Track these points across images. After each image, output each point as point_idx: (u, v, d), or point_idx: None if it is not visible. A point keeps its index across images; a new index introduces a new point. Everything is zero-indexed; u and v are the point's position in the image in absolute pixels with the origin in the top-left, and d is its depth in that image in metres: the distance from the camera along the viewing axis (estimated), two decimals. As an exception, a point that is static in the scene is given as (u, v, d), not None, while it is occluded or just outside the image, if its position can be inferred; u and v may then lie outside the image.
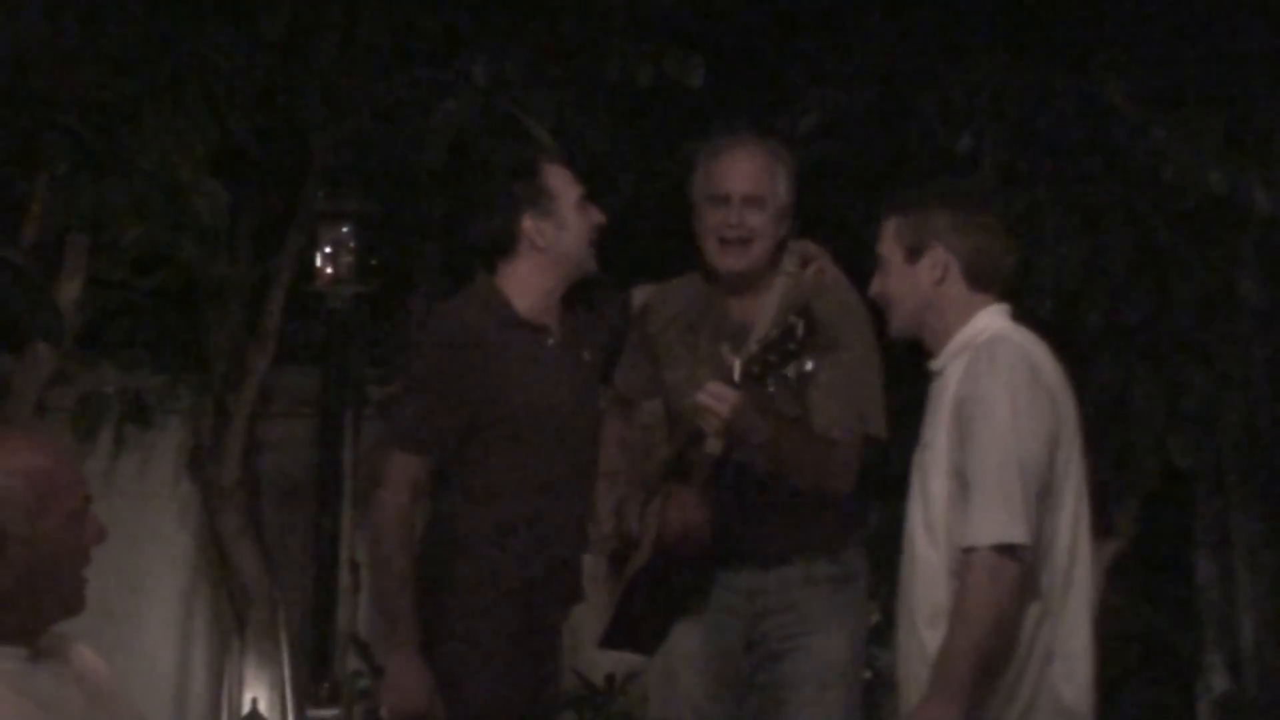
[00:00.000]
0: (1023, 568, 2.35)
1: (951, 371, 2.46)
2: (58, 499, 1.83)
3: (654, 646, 2.93)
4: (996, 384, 2.38)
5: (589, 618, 3.04)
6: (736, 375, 2.64)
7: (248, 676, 4.52)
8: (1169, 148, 4.02)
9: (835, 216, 3.02)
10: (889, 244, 2.54)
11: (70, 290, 3.99)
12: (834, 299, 2.84)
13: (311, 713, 4.16)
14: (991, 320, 2.49)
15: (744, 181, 2.90)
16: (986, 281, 2.50)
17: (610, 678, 4.58)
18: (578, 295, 2.99)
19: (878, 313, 2.75)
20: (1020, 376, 2.39)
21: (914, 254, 2.51)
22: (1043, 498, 2.39)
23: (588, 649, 3.26)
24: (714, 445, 2.76)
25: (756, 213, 2.89)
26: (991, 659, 2.36)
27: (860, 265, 2.92)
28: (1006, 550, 2.34)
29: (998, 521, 2.34)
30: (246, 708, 4.46)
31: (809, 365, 2.58)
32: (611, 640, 2.95)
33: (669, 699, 2.92)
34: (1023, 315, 2.55)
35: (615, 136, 4.37)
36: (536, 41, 4.33)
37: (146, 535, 4.44)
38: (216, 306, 4.50)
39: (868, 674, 3.23)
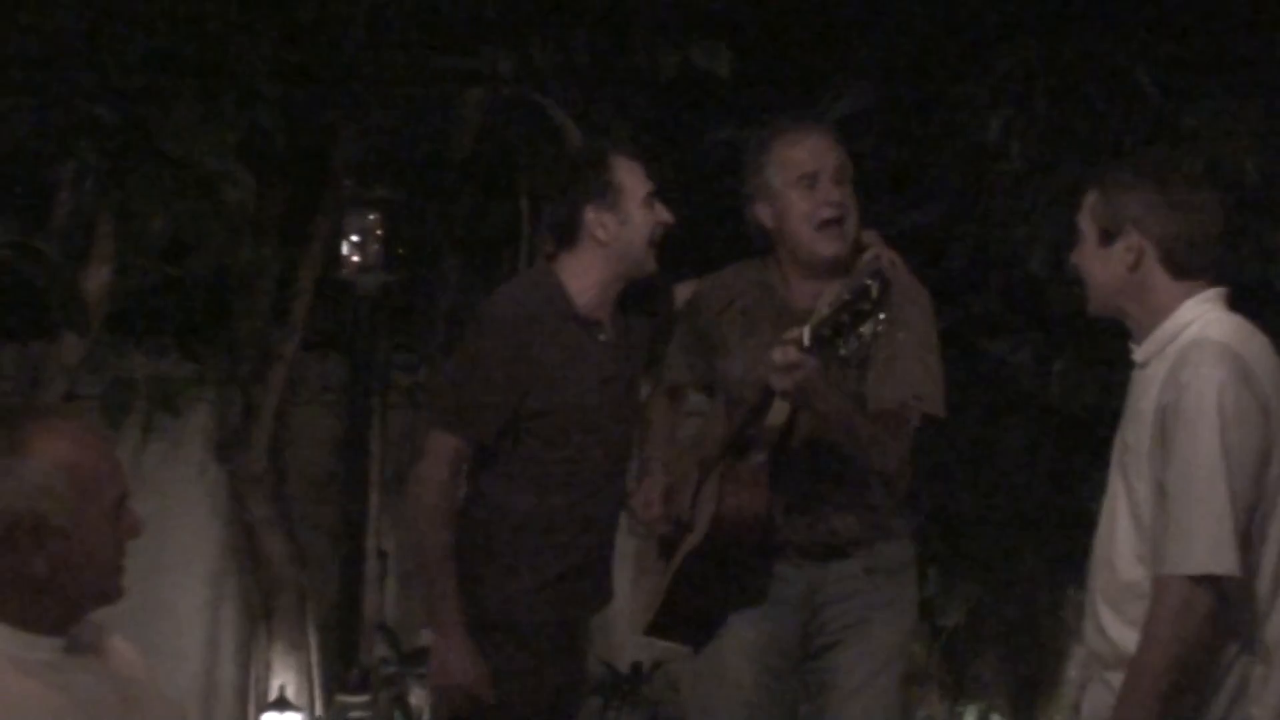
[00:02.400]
0: (1221, 600, 2.20)
1: (1155, 369, 2.28)
2: (98, 492, 1.84)
3: (701, 639, 2.90)
4: (1204, 398, 2.18)
5: (622, 605, 3.03)
6: (807, 339, 2.58)
7: (275, 663, 4.54)
8: (1201, 137, 3.98)
9: (865, 208, 2.99)
10: (1086, 220, 2.37)
11: (99, 278, 4.00)
12: (895, 281, 2.83)
13: (341, 699, 4.17)
14: (1200, 311, 2.28)
15: (832, 157, 2.88)
16: (1191, 269, 2.30)
17: (637, 666, 4.58)
18: (630, 293, 2.99)
19: (934, 296, 2.72)
20: (1230, 388, 2.19)
21: (1108, 236, 2.33)
22: (1252, 520, 2.21)
23: (616, 636, 3.26)
24: (776, 417, 2.71)
25: (846, 188, 2.85)
26: (1184, 690, 2.21)
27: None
28: (1204, 581, 2.18)
29: (1199, 550, 2.17)
30: (274, 694, 4.48)
31: (881, 327, 2.50)
32: (658, 629, 2.92)
33: (716, 688, 2.90)
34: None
35: (642, 127, 4.35)
36: (563, 31, 4.32)
37: (174, 523, 4.45)
38: (244, 295, 4.51)
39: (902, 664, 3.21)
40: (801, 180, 2.85)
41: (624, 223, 2.90)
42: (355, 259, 4.39)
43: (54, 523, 1.80)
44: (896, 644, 2.88)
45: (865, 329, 2.54)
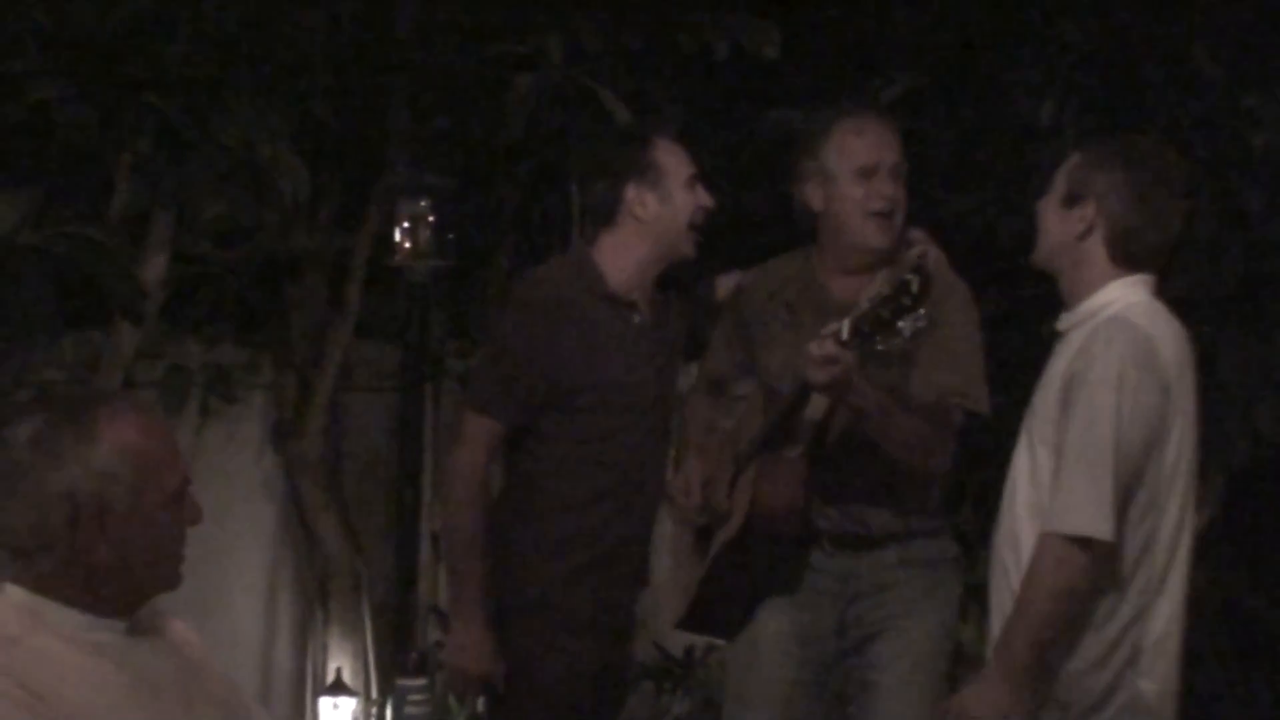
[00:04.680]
0: (1096, 561, 2.29)
1: (1073, 339, 2.39)
2: (160, 479, 1.86)
3: (733, 631, 2.90)
4: (1107, 369, 2.29)
5: (668, 591, 3.03)
6: (845, 334, 2.58)
7: (332, 647, 4.58)
8: (1260, 115, 3.93)
9: (916, 191, 2.98)
10: (1060, 176, 2.45)
11: (155, 266, 4.04)
12: (938, 280, 2.81)
13: (401, 682, 4.20)
14: (1123, 294, 2.38)
15: (891, 152, 2.87)
16: (1131, 260, 2.39)
17: (690, 650, 4.58)
18: (667, 279, 2.98)
19: (977, 293, 2.71)
20: (1132, 365, 2.30)
21: (1070, 200, 2.42)
22: (1141, 495, 2.31)
23: (666, 621, 3.27)
24: (815, 410, 2.71)
25: (900, 184, 2.85)
26: (1059, 646, 2.32)
27: (942, 241, 2.89)
28: (1081, 542, 2.28)
29: (1080, 511, 2.28)
30: (331, 677, 4.52)
31: (922, 322, 2.50)
32: (690, 622, 2.92)
33: (750, 679, 2.90)
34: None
35: (692, 110, 4.34)
36: (613, 14, 4.31)
37: (231, 508, 4.49)
38: (298, 281, 4.54)
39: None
40: (860, 171, 2.84)
41: (665, 202, 2.90)
42: (407, 245, 4.41)
43: (117, 508, 1.83)
44: (936, 640, 2.86)
45: (905, 325, 2.54)
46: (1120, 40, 4.16)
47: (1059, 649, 2.32)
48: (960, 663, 3.51)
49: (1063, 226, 2.41)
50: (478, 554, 2.85)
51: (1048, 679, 2.32)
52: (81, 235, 3.47)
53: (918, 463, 2.78)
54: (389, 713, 4.39)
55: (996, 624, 2.44)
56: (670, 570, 2.97)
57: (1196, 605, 2.43)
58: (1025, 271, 2.83)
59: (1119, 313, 2.36)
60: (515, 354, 2.88)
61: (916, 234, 2.89)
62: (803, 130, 2.95)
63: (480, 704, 4.19)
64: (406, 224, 4.41)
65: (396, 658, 4.44)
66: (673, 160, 2.92)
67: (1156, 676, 2.37)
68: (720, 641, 3.80)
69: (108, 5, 3.61)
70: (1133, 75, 4.16)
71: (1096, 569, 2.30)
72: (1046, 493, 2.35)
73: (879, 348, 2.56)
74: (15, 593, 1.85)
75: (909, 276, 2.53)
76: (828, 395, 2.68)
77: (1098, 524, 2.28)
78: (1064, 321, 2.43)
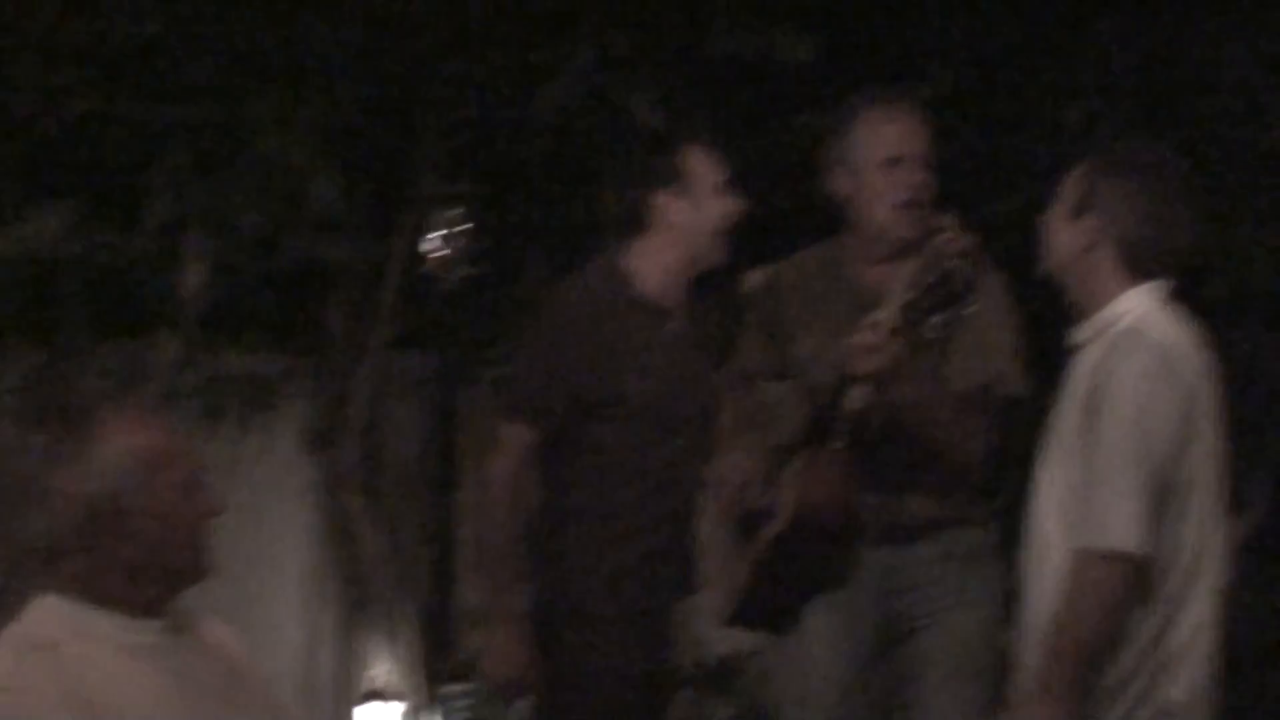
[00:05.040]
0: (1133, 575, 2.26)
1: (1089, 354, 2.35)
2: (168, 469, 1.88)
3: (785, 625, 2.88)
4: (1127, 382, 2.26)
5: (711, 591, 3.02)
6: (890, 322, 2.56)
7: (372, 653, 4.60)
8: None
9: (946, 191, 2.96)
10: (1067, 186, 2.41)
11: (192, 277, 4.08)
12: (966, 265, 2.80)
13: (446, 689, 4.22)
14: (1137, 303, 2.34)
15: (919, 142, 2.85)
16: (1143, 270, 2.35)
17: (731, 657, 4.58)
18: (700, 284, 2.98)
19: (1021, 281, 2.68)
20: (1153, 375, 2.27)
21: (1076, 211, 2.37)
22: (1168, 503, 2.28)
23: (707, 627, 3.26)
24: (854, 402, 2.69)
25: (929, 174, 2.84)
26: (1098, 662, 2.28)
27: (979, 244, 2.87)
28: (1116, 558, 2.25)
29: (1113, 527, 2.24)
30: (371, 683, 4.54)
31: (972, 308, 2.47)
32: (741, 618, 2.91)
33: (805, 681, 2.88)
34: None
35: (723, 115, 4.35)
36: (642, 21, 4.32)
37: (270, 516, 4.52)
38: (333, 290, 4.58)
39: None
40: (887, 160, 2.83)
41: (695, 208, 2.90)
42: (440, 253, 4.44)
43: (129, 503, 1.85)
44: (982, 631, 2.84)
45: (953, 313, 2.51)
46: (1152, 41, 4.13)
47: (1102, 665, 2.28)
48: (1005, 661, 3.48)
49: (1071, 238, 2.36)
50: (512, 561, 2.86)
51: (1085, 698, 2.29)
52: (120, 246, 3.51)
53: (959, 450, 2.77)
54: (432, 718, 4.41)
55: (1028, 647, 2.38)
56: (713, 570, 2.95)
57: (1248, 609, 2.39)
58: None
59: (1134, 323, 2.32)
60: (549, 362, 2.89)
61: (945, 219, 2.88)
62: (830, 119, 2.94)
63: (520, 709, 4.22)
64: (439, 232, 4.43)
65: (436, 663, 4.46)
66: (703, 166, 2.92)
67: (1185, 685, 2.33)
68: (763, 646, 3.79)
69: (142, 19, 3.65)
70: (1167, 77, 4.13)
71: (1134, 583, 2.26)
72: (1074, 511, 2.31)
73: (927, 336, 2.54)
74: (52, 600, 1.87)
75: (957, 264, 2.50)
76: (873, 384, 2.67)
77: (1132, 538, 2.24)
78: (1079, 335, 2.38)
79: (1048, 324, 2.74)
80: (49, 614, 1.87)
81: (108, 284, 3.55)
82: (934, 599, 2.82)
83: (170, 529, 1.87)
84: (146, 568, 1.86)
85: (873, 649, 2.84)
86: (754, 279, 3.06)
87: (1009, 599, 3.38)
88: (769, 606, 2.85)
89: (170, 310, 3.83)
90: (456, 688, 4.22)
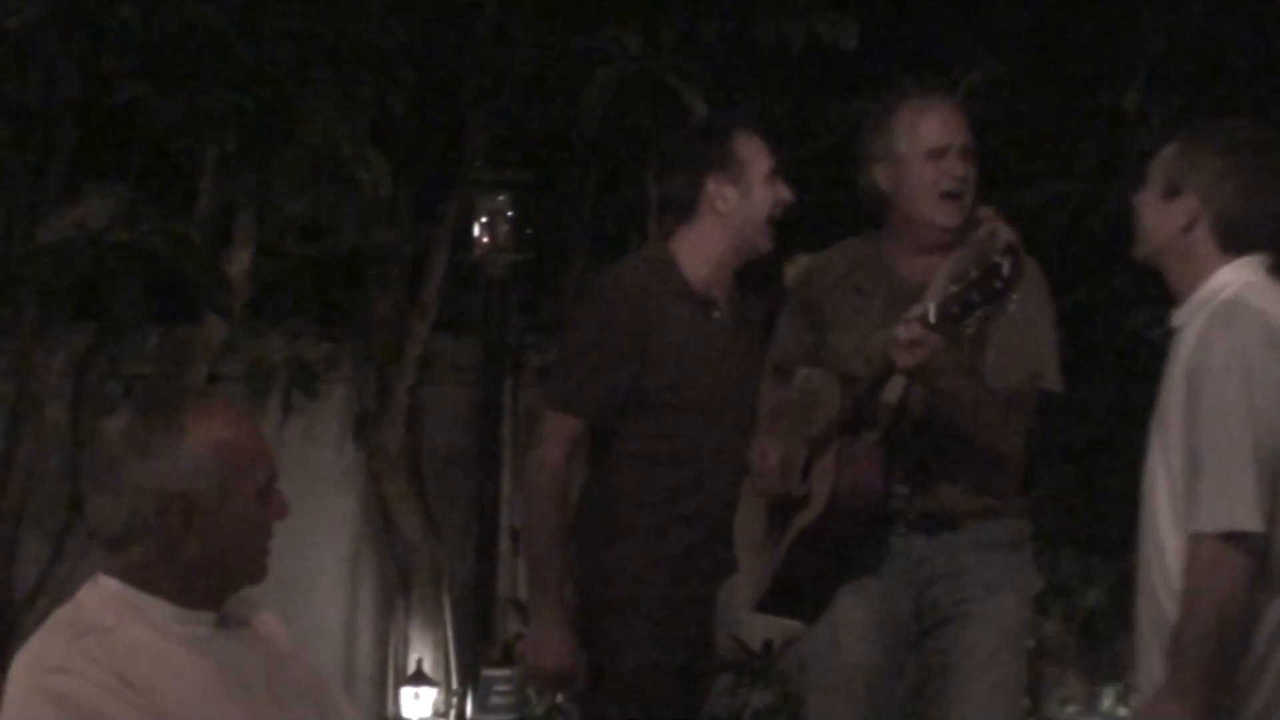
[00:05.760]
0: (1253, 554, 2.19)
1: (1188, 333, 2.29)
2: (247, 473, 1.87)
3: (815, 614, 2.88)
4: (1229, 355, 2.20)
5: (744, 577, 3.02)
6: (933, 316, 2.53)
7: (413, 638, 4.62)
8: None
9: (995, 178, 2.94)
10: (1157, 168, 2.37)
11: (240, 261, 4.09)
12: (1008, 262, 2.78)
13: (486, 673, 4.23)
14: (1236, 276, 2.29)
15: (961, 133, 2.83)
16: (1241, 246, 2.30)
17: (768, 644, 4.57)
18: (745, 275, 2.97)
19: (1071, 269, 2.65)
20: (1256, 345, 2.21)
21: (1170, 193, 2.33)
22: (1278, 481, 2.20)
23: (745, 614, 3.25)
24: (892, 393, 2.67)
25: (970, 164, 2.82)
26: (1228, 650, 2.21)
27: (1027, 231, 2.85)
28: (1234, 538, 2.18)
29: (1224, 508, 2.18)
30: (412, 668, 4.56)
31: (1013, 305, 2.44)
32: (770, 605, 2.91)
33: (833, 667, 2.88)
34: None
35: (769, 102, 4.33)
36: (689, 6, 4.30)
37: (312, 501, 4.54)
38: (378, 276, 4.59)
39: (1030, 643, 3.16)
40: (930, 152, 2.81)
41: (745, 196, 2.88)
42: (485, 240, 4.44)
43: (205, 502, 1.84)
44: (1016, 621, 2.83)
45: (994, 308, 2.49)
46: (1206, 25, 4.08)
47: (1228, 655, 2.21)
48: (1044, 657, 3.47)
49: (1165, 220, 2.32)
50: (557, 552, 2.85)
51: (1219, 690, 2.21)
52: (171, 231, 3.53)
53: (993, 444, 2.75)
54: (469, 703, 4.42)
55: (1147, 646, 2.31)
56: (747, 556, 2.95)
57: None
58: (1113, 261, 2.80)
59: (1234, 295, 2.26)
60: (597, 351, 2.88)
61: (985, 211, 2.86)
62: (869, 113, 2.92)
63: (560, 697, 4.22)
64: (484, 219, 4.44)
65: (476, 649, 4.47)
66: (753, 153, 2.91)
67: None
68: (797, 632, 3.78)
69: (193, 4, 3.66)
70: (1221, 60, 4.08)
71: (1253, 564, 2.19)
72: (1185, 495, 2.24)
73: (968, 330, 2.51)
74: (109, 584, 1.87)
75: (999, 260, 2.47)
76: (914, 379, 2.65)
77: (1246, 517, 2.17)
78: (1177, 317, 2.32)
79: (1095, 318, 2.71)
80: (104, 597, 1.87)
81: (156, 268, 3.57)
82: (967, 589, 2.81)
83: (239, 530, 1.86)
84: (208, 564, 1.86)
85: (904, 638, 2.83)
86: (794, 268, 3.04)
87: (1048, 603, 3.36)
88: (800, 594, 2.84)
89: (218, 294, 3.85)
90: (498, 673, 4.23)
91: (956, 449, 2.76)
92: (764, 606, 2.90)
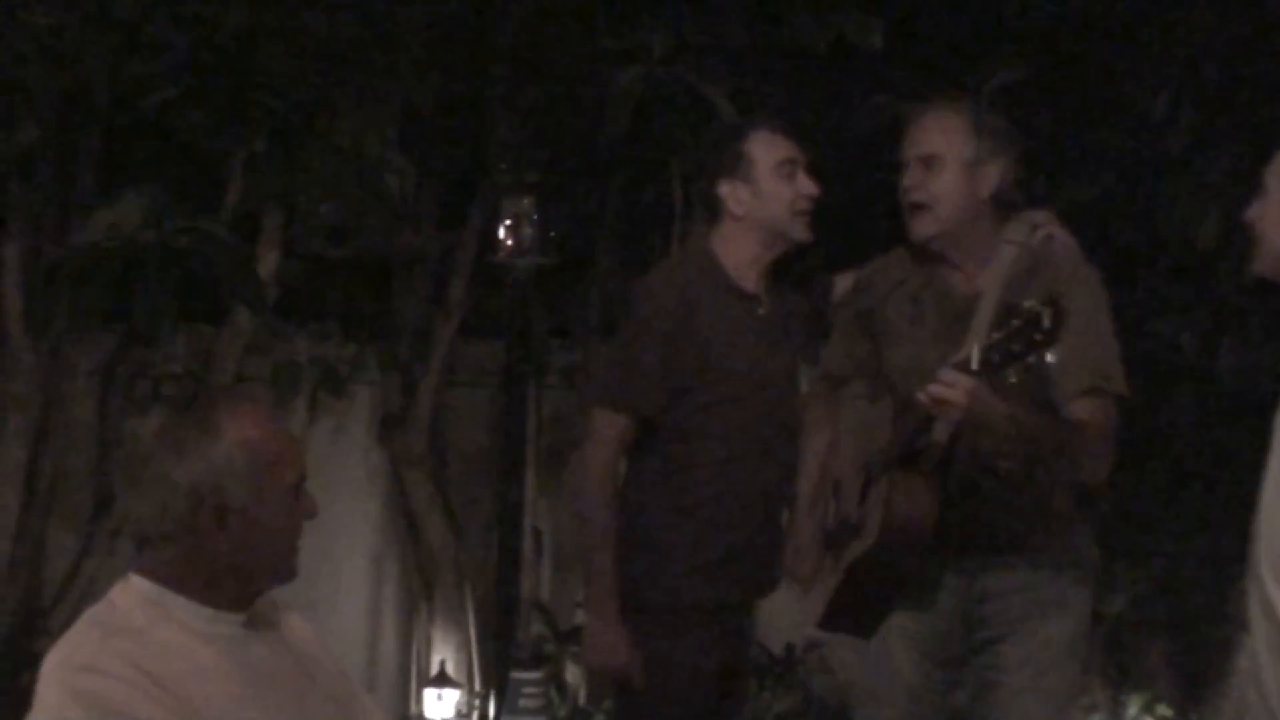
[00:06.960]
0: None
1: None
2: (279, 474, 1.89)
3: (874, 629, 2.87)
4: None
5: (780, 590, 3.02)
6: (975, 363, 2.51)
7: (436, 639, 4.63)
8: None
9: (1027, 182, 2.92)
10: (1271, 180, 2.28)
11: (268, 262, 4.11)
12: (1064, 265, 2.74)
13: (515, 675, 4.22)
14: None
15: (920, 144, 2.81)
16: None
17: (790, 647, 4.57)
18: (785, 273, 2.96)
19: (1107, 278, 2.62)
20: None
21: None
22: None
23: (768, 617, 3.25)
24: (942, 433, 2.66)
25: (935, 175, 2.78)
26: None
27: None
28: None
29: None
30: (435, 669, 4.57)
31: (1052, 357, 2.43)
32: (831, 624, 2.90)
33: (879, 677, 2.86)
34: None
35: (795, 103, 4.32)
36: (715, 8, 4.30)
37: (337, 502, 4.55)
38: (404, 278, 4.60)
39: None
40: (902, 162, 2.81)
41: (756, 194, 2.87)
42: (510, 243, 4.44)
43: (236, 501, 1.86)
44: (1066, 643, 2.79)
45: (1036, 359, 2.46)
46: (1236, 29, 4.05)
47: None
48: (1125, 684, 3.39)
49: None
50: (610, 551, 2.84)
51: None
52: (202, 232, 3.54)
53: (1071, 474, 2.72)
54: (492, 704, 4.43)
55: (1268, 666, 2.21)
56: (793, 561, 2.93)
57: None
58: (1142, 264, 2.76)
59: None
60: (643, 349, 2.87)
61: (1039, 215, 2.83)
62: (900, 114, 2.92)
63: (581, 700, 4.22)
64: (509, 221, 4.44)
65: (500, 650, 4.48)
66: (762, 149, 2.89)
67: None
68: (822, 639, 3.77)
69: (222, 8, 3.68)
70: (1249, 65, 4.05)
71: None
72: None
73: (1010, 380, 2.49)
74: (140, 583, 1.88)
75: (1041, 310, 2.43)
76: (954, 425, 2.63)
77: None
78: None
79: (1123, 323, 2.69)
80: (135, 596, 1.88)
81: (185, 268, 3.58)
82: (1017, 608, 2.78)
83: (269, 531, 1.88)
84: (239, 563, 1.87)
85: (951, 653, 2.81)
86: (842, 281, 3.03)
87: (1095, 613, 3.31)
88: (858, 614, 2.83)
89: (245, 296, 3.86)
90: (526, 675, 4.23)
91: (1011, 478, 2.74)
92: (826, 625, 2.90)
